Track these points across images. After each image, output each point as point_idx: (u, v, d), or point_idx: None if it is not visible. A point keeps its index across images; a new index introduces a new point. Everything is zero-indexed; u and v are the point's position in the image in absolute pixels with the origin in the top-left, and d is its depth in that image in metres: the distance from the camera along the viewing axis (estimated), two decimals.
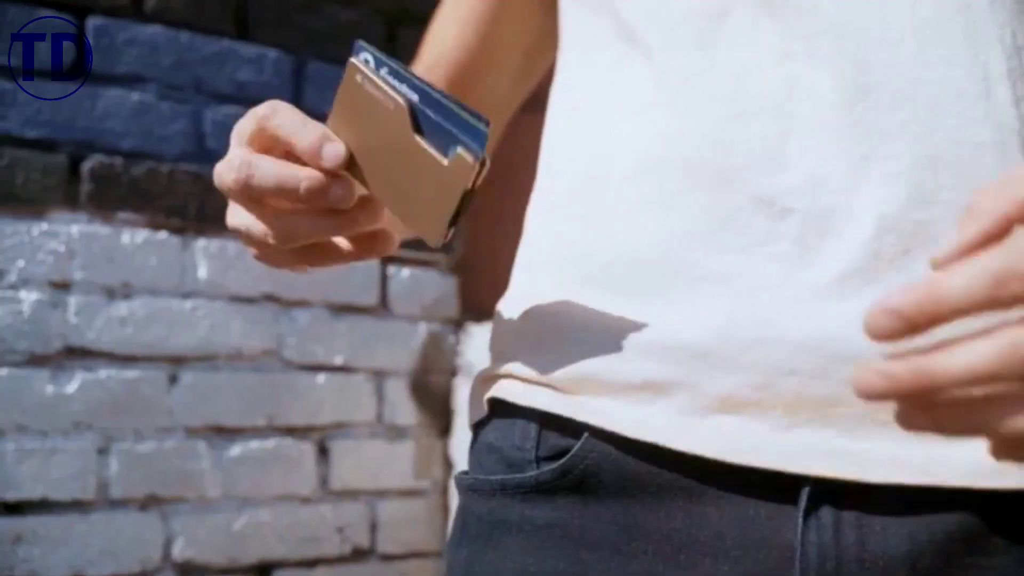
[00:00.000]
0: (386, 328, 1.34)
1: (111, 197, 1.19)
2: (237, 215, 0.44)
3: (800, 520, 0.43)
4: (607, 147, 0.51)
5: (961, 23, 0.47)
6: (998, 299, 0.29)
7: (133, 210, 1.20)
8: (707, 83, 0.48)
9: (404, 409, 1.37)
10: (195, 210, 1.24)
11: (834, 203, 0.44)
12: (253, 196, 0.43)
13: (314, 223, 0.43)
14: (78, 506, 1.15)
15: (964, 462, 0.42)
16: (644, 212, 0.48)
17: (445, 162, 0.40)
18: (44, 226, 1.15)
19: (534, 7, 0.62)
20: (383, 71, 0.42)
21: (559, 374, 0.47)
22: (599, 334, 0.47)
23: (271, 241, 0.43)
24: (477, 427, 0.53)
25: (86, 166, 1.19)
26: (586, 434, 0.46)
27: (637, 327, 0.46)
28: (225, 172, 0.43)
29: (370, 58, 0.42)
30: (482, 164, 0.39)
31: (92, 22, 1.20)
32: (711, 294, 0.45)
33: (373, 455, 1.33)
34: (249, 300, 1.27)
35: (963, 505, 0.43)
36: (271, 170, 0.42)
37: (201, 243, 1.24)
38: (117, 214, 1.20)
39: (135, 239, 1.20)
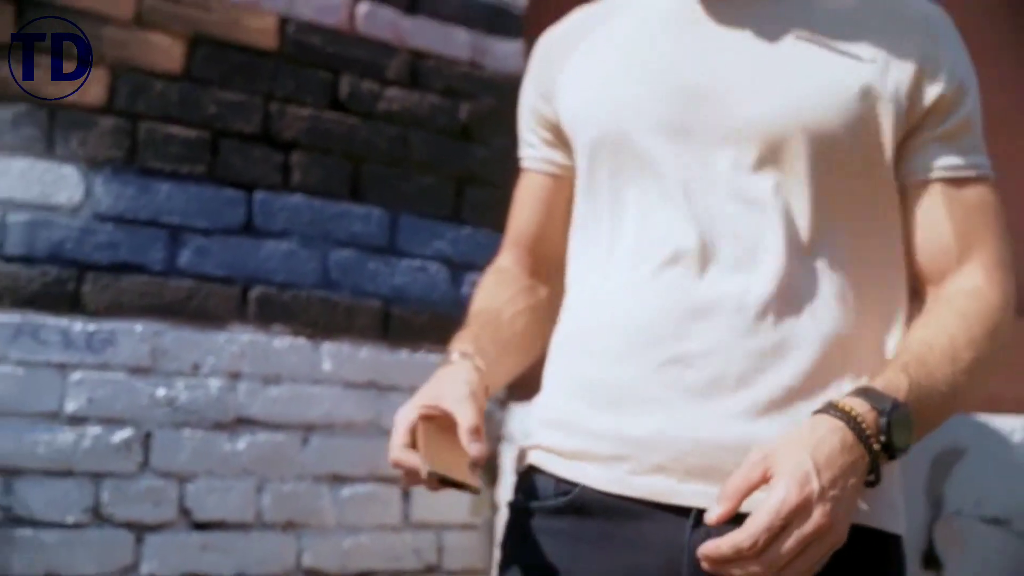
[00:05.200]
0: None
1: (268, 315, 1.74)
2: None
3: (688, 530, 0.84)
4: (593, 314, 0.94)
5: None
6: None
7: (282, 323, 1.75)
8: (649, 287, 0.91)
9: None
10: (322, 323, 1.79)
11: (724, 366, 0.85)
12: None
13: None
14: (242, 526, 1.68)
15: None
16: (614, 357, 0.90)
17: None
18: (225, 335, 1.71)
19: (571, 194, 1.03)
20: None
21: (566, 449, 0.92)
22: (586, 427, 0.90)
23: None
24: (522, 473, 0.97)
25: (252, 294, 1.74)
26: (582, 484, 0.90)
27: (609, 424, 0.88)
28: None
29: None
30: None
31: (257, 195, 1.77)
32: (652, 410, 0.86)
33: (442, 498, 1.84)
34: (358, 386, 1.80)
35: None
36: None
37: (326, 346, 1.79)
38: (272, 326, 1.75)
39: (283, 343, 1.75)
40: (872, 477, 0.78)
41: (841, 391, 0.84)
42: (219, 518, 1.66)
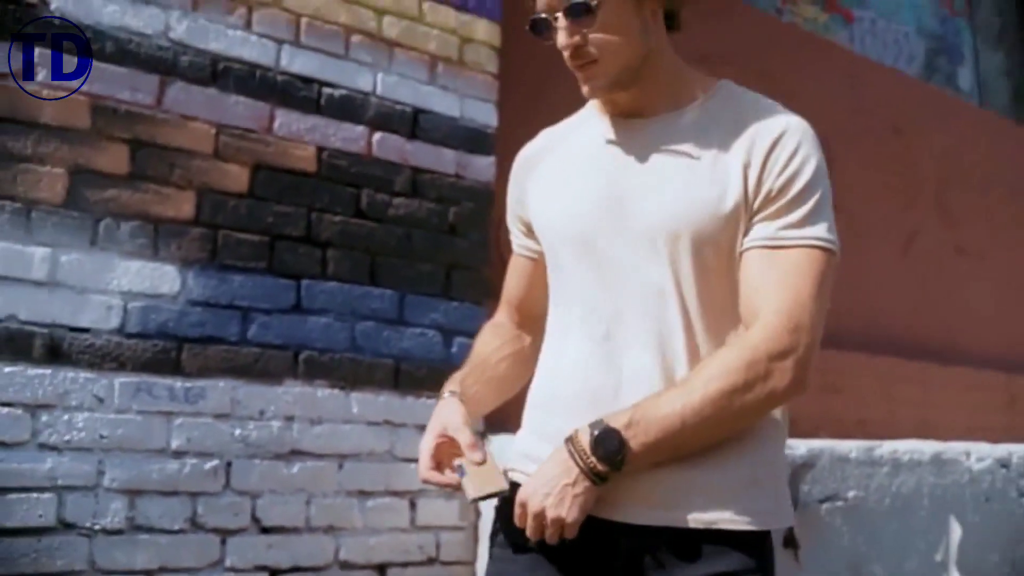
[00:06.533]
0: None
1: (312, 373, 2.33)
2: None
3: (617, 533, 1.16)
4: (555, 381, 1.25)
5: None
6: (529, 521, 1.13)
7: (323, 379, 2.34)
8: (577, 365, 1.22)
9: None
10: (351, 378, 2.39)
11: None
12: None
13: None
14: (296, 530, 2.26)
15: (635, 509, 1.16)
16: (571, 414, 1.16)
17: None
18: (282, 389, 2.29)
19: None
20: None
21: None
22: None
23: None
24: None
25: (301, 357, 2.33)
26: None
27: None
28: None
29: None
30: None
31: (303, 283, 2.36)
32: None
33: (439, 507, 2.46)
34: (377, 424, 2.40)
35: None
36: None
37: (354, 395, 2.38)
38: (315, 381, 2.34)
39: (324, 394, 2.34)
40: (597, 479, 1.11)
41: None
42: (280, 524, 2.25)
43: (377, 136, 2.52)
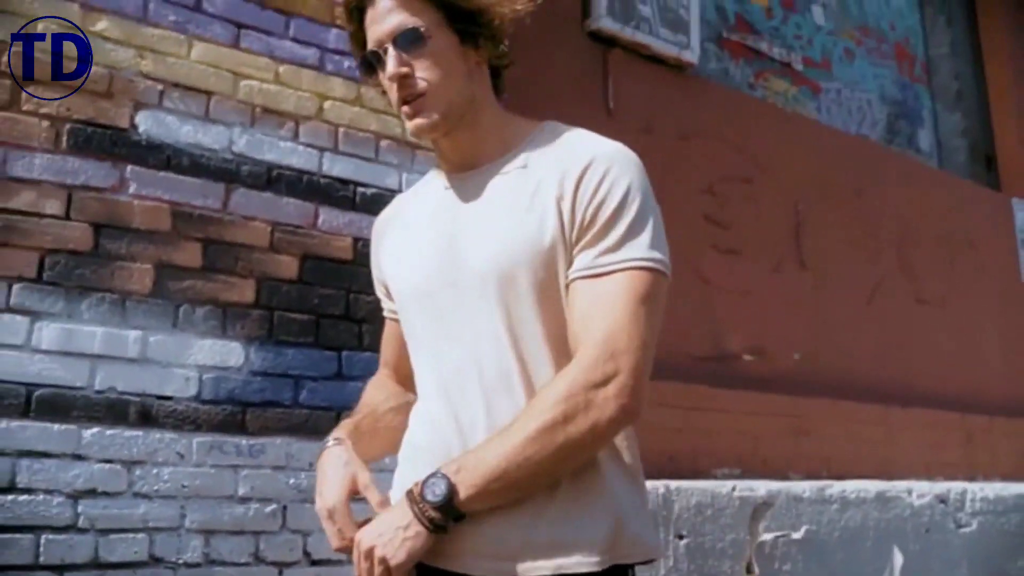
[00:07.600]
0: None
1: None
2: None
3: None
4: (417, 436, 1.26)
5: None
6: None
7: None
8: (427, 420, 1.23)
9: None
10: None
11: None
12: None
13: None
14: (340, 563, 2.68)
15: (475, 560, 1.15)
16: (429, 468, 1.14)
17: None
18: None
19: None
20: None
21: None
22: None
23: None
24: None
25: (343, 417, 2.77)
26: None
27: None
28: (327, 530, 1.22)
29: None
30: None
31: (344, 354, 2.81)
32: None
33: None
34: None
35: None
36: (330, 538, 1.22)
37: None
38: None
39: None
40: (430, 524, 1.10)
41: None
42: (327, 557, 2.67)
43: None
